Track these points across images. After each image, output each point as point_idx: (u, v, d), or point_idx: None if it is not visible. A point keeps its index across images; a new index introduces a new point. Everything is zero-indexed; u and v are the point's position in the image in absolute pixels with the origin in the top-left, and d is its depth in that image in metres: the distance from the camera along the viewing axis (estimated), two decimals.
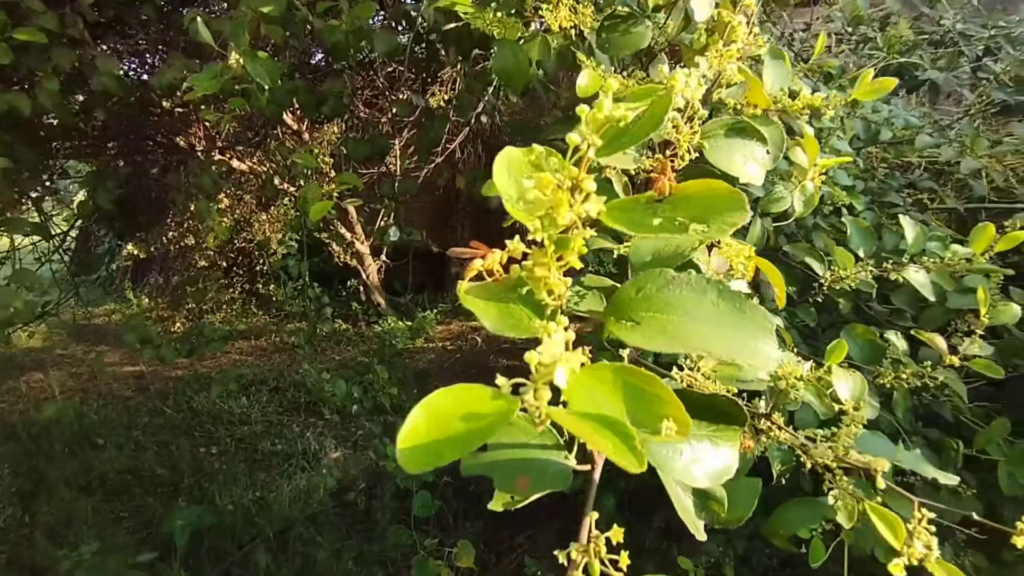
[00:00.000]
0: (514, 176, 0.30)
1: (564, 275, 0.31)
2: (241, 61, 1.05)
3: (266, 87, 1.50)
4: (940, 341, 0.82)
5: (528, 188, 0.23)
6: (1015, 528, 0.43)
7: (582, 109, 0.23)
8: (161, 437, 2.88)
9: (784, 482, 0.84)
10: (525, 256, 0.26)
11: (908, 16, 1.95)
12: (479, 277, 0.34)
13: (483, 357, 3.67)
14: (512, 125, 2.18)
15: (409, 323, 3.93)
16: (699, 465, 0.31)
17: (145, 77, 2.49)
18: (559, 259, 0.25)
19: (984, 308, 0.84)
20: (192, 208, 2.57)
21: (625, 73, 0.69)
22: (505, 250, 0.31)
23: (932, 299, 0.87)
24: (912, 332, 0.87)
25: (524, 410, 0.21)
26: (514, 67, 0.68)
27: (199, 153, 2.65)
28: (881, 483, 0.41)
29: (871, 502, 0.40)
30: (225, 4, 2.08)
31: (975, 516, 0.55)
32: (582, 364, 0.23)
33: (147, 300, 4.26)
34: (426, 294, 4.38)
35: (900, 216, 0.94)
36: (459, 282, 0.31)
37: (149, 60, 2.47)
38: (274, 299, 4.50)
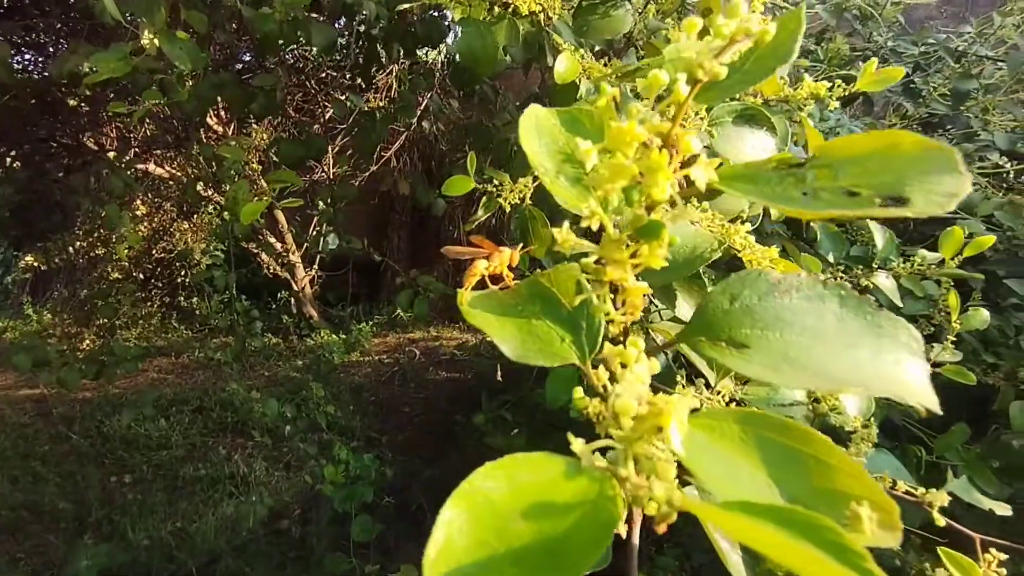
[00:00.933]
0: (546, 141, 0.22)
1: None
2: (156, 42, 0.92)
3: (188, 79, 1.36)
4: None
5: (585, 152, 0.15)
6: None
7: (691, 23, 0.16)
8: (65, 467, 2.59)
9: None
10: (577, 256, 0.18)
11: (842, 32, 2.01)
12: (482, 284, 0.26)
13: (422, 370, 3.56)
14: (463, 127, 2.10)
15: (344, 336, 3.76)
16: None
17: (47, 73, 2.26)
18: (633, 256, 0.17)
19: (955, 315, 0.83)
20: (103, 214, 2.35)
21: (602, 62, 0.63)
22: (520, 249, 0.24)
23: (900, 305, 0.85)
24: None
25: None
26: (481, 49, 0.60)
27: (110, 155, 2.43)
28: (940, 520, 0.36)
29: (942, 547, 0.34)
30: None
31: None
32: (693, 410, 0.15)
33: (49, 316, 3.89)
34: (361, 305, 4.22)
35: (869, 222, 0.93)
36: (458, 291, 0.23)
37: (51, 51, 2.25)
38: (197, 313, 4.22)
